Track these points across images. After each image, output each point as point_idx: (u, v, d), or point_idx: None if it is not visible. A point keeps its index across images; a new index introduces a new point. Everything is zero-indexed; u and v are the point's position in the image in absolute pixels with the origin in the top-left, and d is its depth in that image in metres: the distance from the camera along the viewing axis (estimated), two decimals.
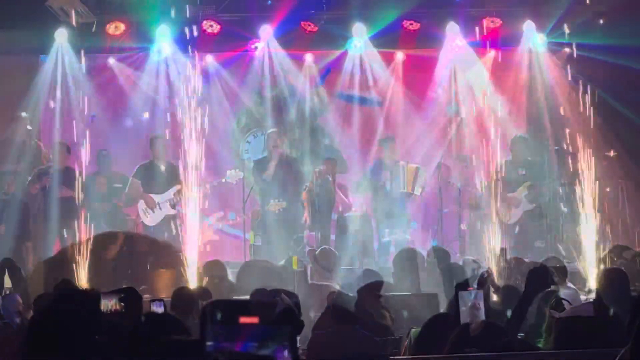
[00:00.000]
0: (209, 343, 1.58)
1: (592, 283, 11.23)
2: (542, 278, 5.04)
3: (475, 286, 3.57)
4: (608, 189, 13.41)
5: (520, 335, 5.57)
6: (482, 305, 3.52)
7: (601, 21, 13.86)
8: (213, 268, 10.18)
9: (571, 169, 12.42)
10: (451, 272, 13.05)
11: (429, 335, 4.75)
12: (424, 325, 4.89)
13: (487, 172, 12.76)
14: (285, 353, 1.60)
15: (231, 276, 10.29)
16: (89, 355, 3.34)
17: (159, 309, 5.90)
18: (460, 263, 12.54)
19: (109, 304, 5.58)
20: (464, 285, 3.61)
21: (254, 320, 1.58)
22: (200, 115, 12.73)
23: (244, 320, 1.58)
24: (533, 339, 6.56)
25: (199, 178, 12.27)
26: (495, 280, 11.82)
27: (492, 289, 10.36)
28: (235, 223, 14.44)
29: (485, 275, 9.82)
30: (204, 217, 12.94)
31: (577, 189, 12.19)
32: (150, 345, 2.95)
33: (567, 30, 14.29)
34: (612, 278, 7.49)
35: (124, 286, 7.72)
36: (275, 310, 1.62)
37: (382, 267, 12.89)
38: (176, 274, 13.46)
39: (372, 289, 8.38)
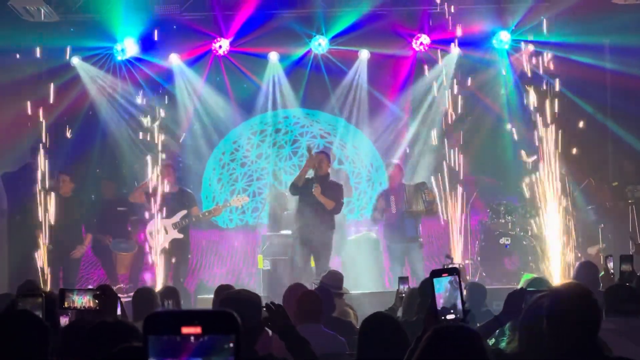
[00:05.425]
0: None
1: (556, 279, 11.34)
2: (518, 305, 5.01)
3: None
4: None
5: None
6: (459, 288, 3.55)
7: (564, 18, 13.93)
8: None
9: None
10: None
11: (369, 334, 4.74)
12: (362, 324, 4.88)
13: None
14: None
15: None
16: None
17: None
18: None
19: (83, 301, 5.49)
20: (438, 272, 3.63)
21: (197, 330, 1.56)
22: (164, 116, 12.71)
23: (186, 330, 1.56)
24: (497, 338, 6.58)
25: (163, 182, 12.33)
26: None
27: (462, 284, 10.40)
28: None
29: (460, 267, 9.89)
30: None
31: (540, 185, 12.28)
32: (100, 354, 2.90)
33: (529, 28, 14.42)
34: (586, 270, 7.90)
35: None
36: (221, 317, 1.59)
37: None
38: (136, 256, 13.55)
39: (332, 287, 8.36)
